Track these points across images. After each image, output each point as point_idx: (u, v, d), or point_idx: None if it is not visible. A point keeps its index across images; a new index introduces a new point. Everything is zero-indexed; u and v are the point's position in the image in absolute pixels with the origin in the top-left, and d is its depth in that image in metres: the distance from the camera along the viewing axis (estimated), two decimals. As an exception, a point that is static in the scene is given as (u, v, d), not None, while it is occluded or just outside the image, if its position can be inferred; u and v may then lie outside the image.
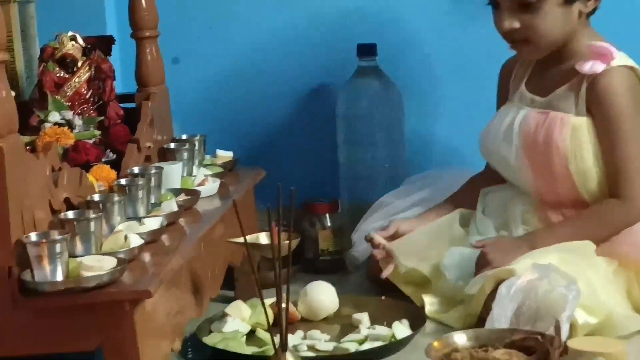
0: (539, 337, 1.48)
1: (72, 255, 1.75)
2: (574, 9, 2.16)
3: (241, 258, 2.34)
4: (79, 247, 1.76)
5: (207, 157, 2.55)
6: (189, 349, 2.15)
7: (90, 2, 2.86)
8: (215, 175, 2.39)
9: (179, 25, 2.88)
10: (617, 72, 2.15)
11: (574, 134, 2.16)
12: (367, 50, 2.76)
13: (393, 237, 2.35)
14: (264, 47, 2.87)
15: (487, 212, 2.35)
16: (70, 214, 1.79)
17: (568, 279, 1.80)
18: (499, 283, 1.96)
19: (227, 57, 2.89)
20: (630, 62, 2.19)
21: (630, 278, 2.07)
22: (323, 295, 2.31)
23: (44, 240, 1.64)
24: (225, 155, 2.56)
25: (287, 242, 1.91)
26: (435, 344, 1.51)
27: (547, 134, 2.17)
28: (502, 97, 2.37)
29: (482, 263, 2.12)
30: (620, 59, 2.17)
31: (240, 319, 2.22)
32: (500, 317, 1.76)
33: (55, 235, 1.67)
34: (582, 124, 2.16)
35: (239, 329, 2.18)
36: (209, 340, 2.14)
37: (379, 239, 2.33)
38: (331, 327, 2.25)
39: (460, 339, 1.52)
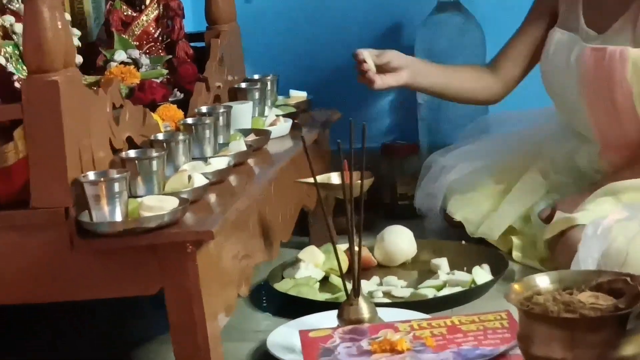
0: (628, 278, 1.37)
1: (134, 196, 1.67)
2: None
3: (315, 202, 2.25)
4: (140, 187, 1.68)
5: (280, 97, 2.46)
6: (264, 297, 2.08)
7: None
8: (288, 115, 2.30)
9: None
10: None
11: (636, 67, 2.01)
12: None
13: (382, 68, 2.23)
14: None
15: (557, 169, 2.22)
16: (132, 153, 1.72)
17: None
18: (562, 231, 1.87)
19: (302, -5, 2.79)
20: None
21: None
22: (400, 240, 2.23)
23: (102, 179, 1.56)
24: (299, 95, 2.47)
25: (359, 182, 1.82)
26: (516, 286, 1.40)
27: (609, 71, 2.02)
28: (540, 10, 2.23)
29: (550, 215, 2.01)
30: None
31: (313, 265, 2.15)
32: (587, 259, 1.65)
33: (114, 174, 1.59)
34: None
35: (312, 275, 2.12)
36: (281, 286, 2.07)
37: (369, 63, 2.23)
38: (409, 273, 2.19)
39: (543, 281, 1.41)
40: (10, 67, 1.79)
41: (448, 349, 1.58)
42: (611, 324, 1.31)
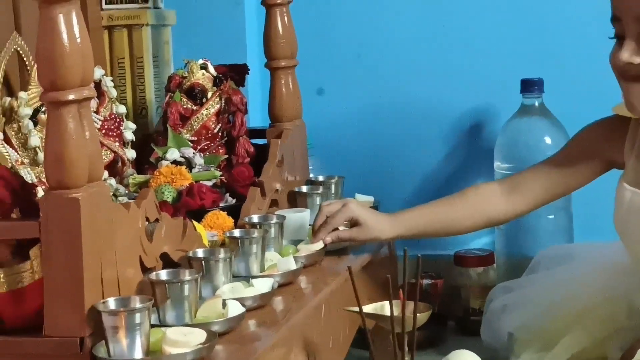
0: None
1: (163, 323, 1.52)
2: None
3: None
4: (169, 313, 1.52)
5: (346, 201, 2.30)
6: None
7: (232, 27, 2.64)
8: (350, 224, 2.13)
9: (326, 53, 2.64)
10: None
11: None
12: (532, 85, 2.45)
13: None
14: (417, 79, 2.60)
15: (631, 315, 1.93)
16: (163, 274, 1.56)
17: None
18: None
19: (376, 88, 2.63)
20: None
21: None
22: (470, 368, 2.03)
23: (121, 310, 1.41)
24: (365, 200, 2.30)
25: (413, 315, 1.64)
26: None
27: None
28: (586, 151, 1.95)
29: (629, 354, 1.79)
30: None
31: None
32: None
33: (136, 302, 1.44)
34: None
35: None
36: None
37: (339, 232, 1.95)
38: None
39: None
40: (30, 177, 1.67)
41: None
42: None
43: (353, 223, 1.98)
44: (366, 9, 2.62)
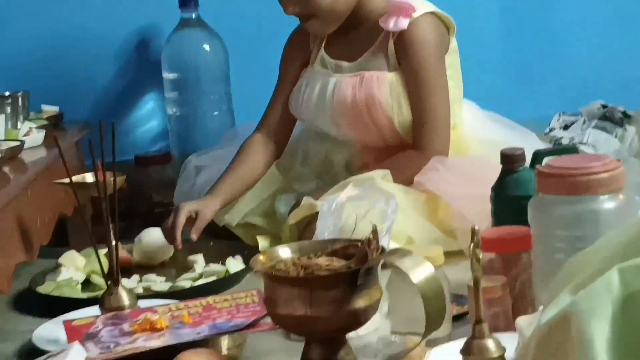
0: (358, 243, 1.52)
1: None
2: None
3: (73, 208, 2.33)
4: None
5: (32, 113, 2.54)
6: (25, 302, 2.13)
7: None
8: (41, 127, 2.38)
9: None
10: (421, 22, 2.18)
11: (392, 88, 2.19)
12: (188, 1, 2.77)
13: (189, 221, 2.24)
14: (86, 2, 2.85)
15: (307, 161, 2.38)
16: None
17: (387, 195, 1.85)
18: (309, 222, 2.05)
19: (50, 12, 2.84)
20: (430, 7, 2.22)
21: (428, 203, 2.13)
22: (157, 239, 2.30)
23: None
24: (50, 110, 2.55)
25: (112, 179, 1.92)
26: (261, 257, 1.53)
27: (367, 94, 2.19)
28: (294, 63, 2.35)
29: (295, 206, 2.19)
30: (421, 6, 2.20)
31: (74, 269, 2.21)
32: (323, 232, 1.80)
33: None
34: (398, 78, 2.20)
35: (73, 277, 2.17)
36: (43, 289, 2.11)
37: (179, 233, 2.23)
38: (167, 270, 2.26)
39: (285, 252, 1.54)
40: None
41: (204, 324, 1.69)
42: (343, 281, 1.44)
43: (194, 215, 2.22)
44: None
